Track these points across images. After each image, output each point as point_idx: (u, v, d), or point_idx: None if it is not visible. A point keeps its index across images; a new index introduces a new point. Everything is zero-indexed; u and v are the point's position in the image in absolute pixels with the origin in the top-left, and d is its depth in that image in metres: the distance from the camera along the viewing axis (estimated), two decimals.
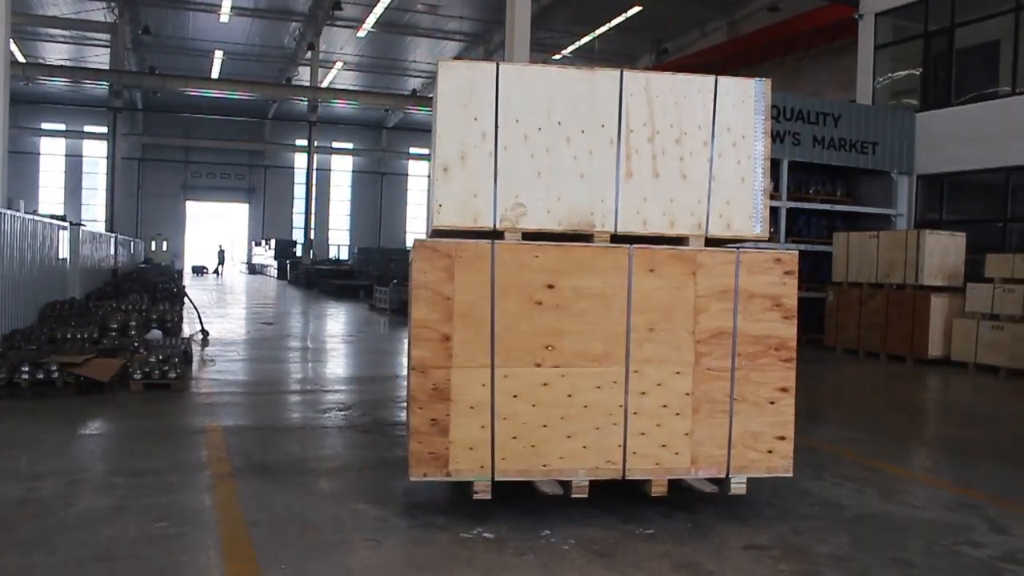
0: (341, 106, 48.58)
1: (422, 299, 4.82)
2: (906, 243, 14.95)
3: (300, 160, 53.54)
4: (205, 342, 13.67)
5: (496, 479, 4.95)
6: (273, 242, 49.58)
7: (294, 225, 55.76)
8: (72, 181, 52.57)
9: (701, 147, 5.27)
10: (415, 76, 46.10)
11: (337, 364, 12.79)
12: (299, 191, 53.78)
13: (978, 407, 10.77)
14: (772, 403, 5.22)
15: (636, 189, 5.18)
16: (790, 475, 5.32)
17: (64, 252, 16.21)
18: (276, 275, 45.63)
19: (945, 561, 4.56)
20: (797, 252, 5.40)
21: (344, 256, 55.10)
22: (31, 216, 14.01)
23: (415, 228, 60.04)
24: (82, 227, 20.20)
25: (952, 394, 11.97)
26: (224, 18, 35.96)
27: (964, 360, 13.83)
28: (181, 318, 14.69)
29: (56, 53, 41.72)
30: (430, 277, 4.84)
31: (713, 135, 5.28)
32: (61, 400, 8.39)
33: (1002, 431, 8.90)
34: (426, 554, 4.44)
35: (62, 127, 51.55)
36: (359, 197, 59.12)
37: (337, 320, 20.72)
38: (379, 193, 58.79)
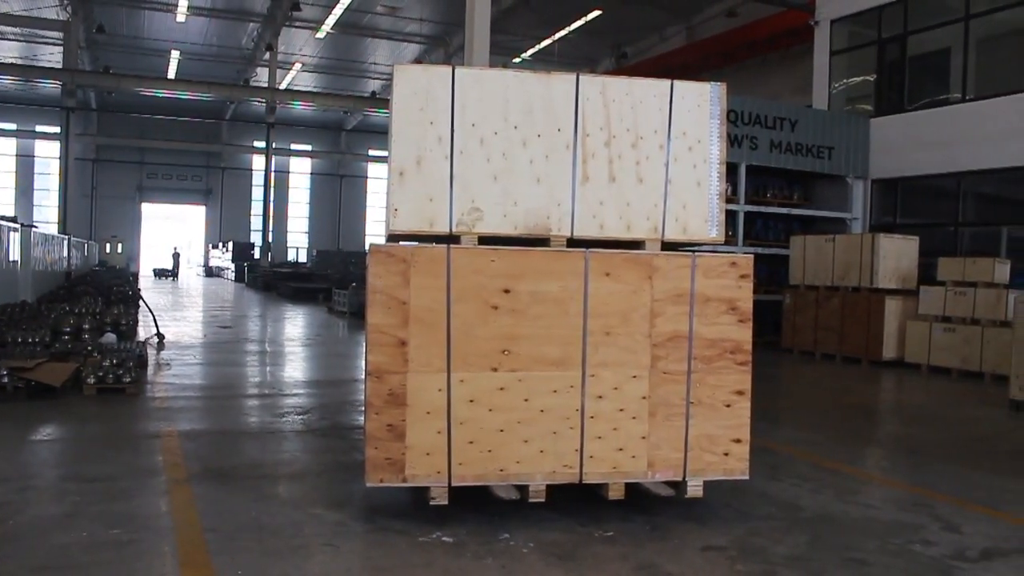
0: (300, 108, 48.25)
1: (378, 304, 4.81)
2: (861, 246, 15.18)
3: (258, 162, 53.12)
4: (161, 346, 13.49)
5: (453, 484, 4.93)
6: (231, 244, 49.08)
7: (252, 227, 55.24)
8: (23, 182, 51.61)
9: (657, 151, 5.27)
10: (374, 78, 45.93)
11: (295, 368, 12.69)
12: (257, 193, 53.36)
13: (930, 408, 10.96)
14: (728, 406, 5.24)
15: (592, 193, 5.18)
16: (746, 477, 5.36)
17: (15, 254, 15.91)
18: (234, 278, 45.17)
19: (899, 560, 4.63)
20: (752, 256, 5.42)
21: (303, 259, 54.74)
22: None
23: (375, 231, 59.83)
24: (34, 229, 19.85)
25: (905, 395, 12.17)
26: (180, 18, 35.54)
27: (918, 362, 14.07)
28: (136, 321, 14.48)
29: (7, 51, 40.91)
30: (385, 282, 4.82)
31: (669, 139, 5.29)
32: (11, 405, 8.23)
33: (953, 432, 9.07)
34: (384, 558, 4.42)
35: (13, 127, 50.59)
36: (318, 199, 58.75)
37: (295, 323, 20.56)
38: (338, 195, 58.47)
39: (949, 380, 13.13)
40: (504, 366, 4.96)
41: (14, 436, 7.10)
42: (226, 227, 55.36)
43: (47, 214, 48.13)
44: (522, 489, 5.03)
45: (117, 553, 4.35)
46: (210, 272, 54.55)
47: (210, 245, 56.27)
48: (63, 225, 34.75)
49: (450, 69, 5.11)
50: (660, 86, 5.31)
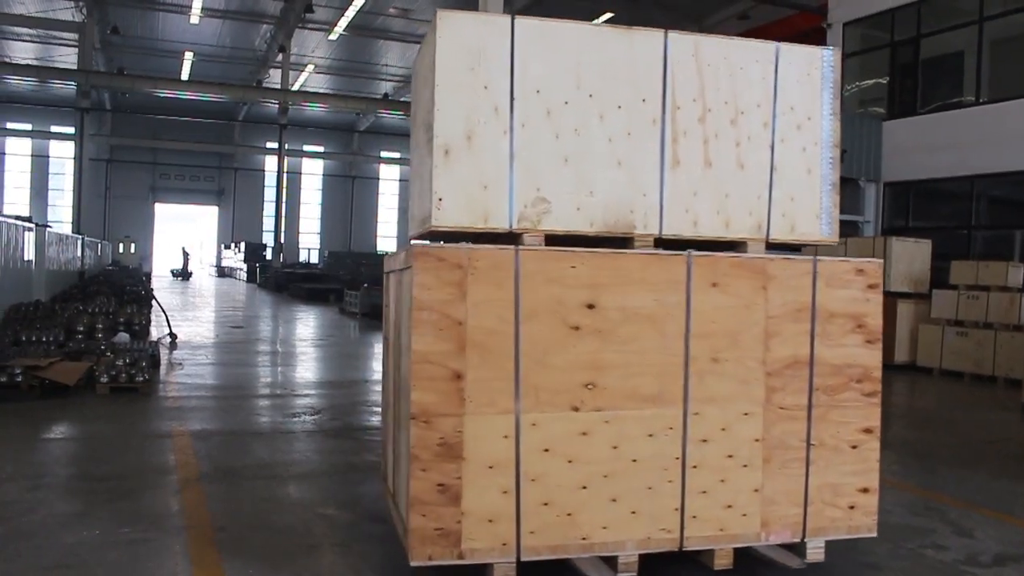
0: (312, 109, 48.36)
1: (426, 325, 3.73)
2: (873, 249, 15.13)
3: (270, 163, 53.24)
4: (173, 345, 13.54)
5: (523, 559, 3.92)
6: (243, 245, 49.23)
7: (264, 228, 55.39)
8: (38, 182, 51.87)
9: (761, 130, 4.36)
10: (387, 80, 46.00)
11: (306, 368, 12.72)
12: (269, 194, 53.48)
13: (941, 412, 10.91)
14: (854, 447, 4.36)
15: (684, 181, 4.22)
16: (874, 535, 4.48)
17: (30, 254, 16.01)
18: (245, 278, 45.32)
19: (911, 564, 4.61)
20: (881, 261, 4.53)
21: (314, 259, 54.87)
22: None
23: (386, 232, 59.94)
24: (48, 228, 19.97)
25: (917, 399, 12.12)
26: (194, 19, 35.67)
27: (929, 366, 14.01)
28: (149, 321, 14.55)
29: (23, 52, 41.16)
30: (436, 295, 3.75)
31: (774, 115, 4.39)
32: (25, 403, 8.27)
33: (965, 436, 9.03)
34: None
35: (28, 127, 50.83)
36: (330, 200, 58.86)
37: (307, 324, 20.61)
38: (350, 197, 58.57)
39: (961, 384, 13.06)
40: (587, 404, 3.96)
41: (27, 434, 7.14)
42: (238, 228, 55.53)
43: (61, 214, 48.35)
44: (608, 560, 4.07)
45: (128, 552, 4.37)
46: (222, 272, 54.73)
47: (222, 245, 56.47)
48: (77, 225, 34.93)
49: (508, 19, 4.06)
50: (763, 50, 4.39)
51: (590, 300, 3.97)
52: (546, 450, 3.92)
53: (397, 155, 58.09)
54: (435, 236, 4.19)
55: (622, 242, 4.21)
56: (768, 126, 4.38)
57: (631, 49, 4.19)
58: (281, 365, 13.04)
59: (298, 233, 57.41)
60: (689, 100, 4.25)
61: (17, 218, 17.18)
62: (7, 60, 41.13)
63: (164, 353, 12.37)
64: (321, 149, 57.40)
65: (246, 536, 4.67)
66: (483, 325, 3.83)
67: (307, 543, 4.59)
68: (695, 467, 4.12)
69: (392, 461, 4.57)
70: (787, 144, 4.41)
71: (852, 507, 4.37)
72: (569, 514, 3.95)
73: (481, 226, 3.96)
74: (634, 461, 4.04)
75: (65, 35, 38.21)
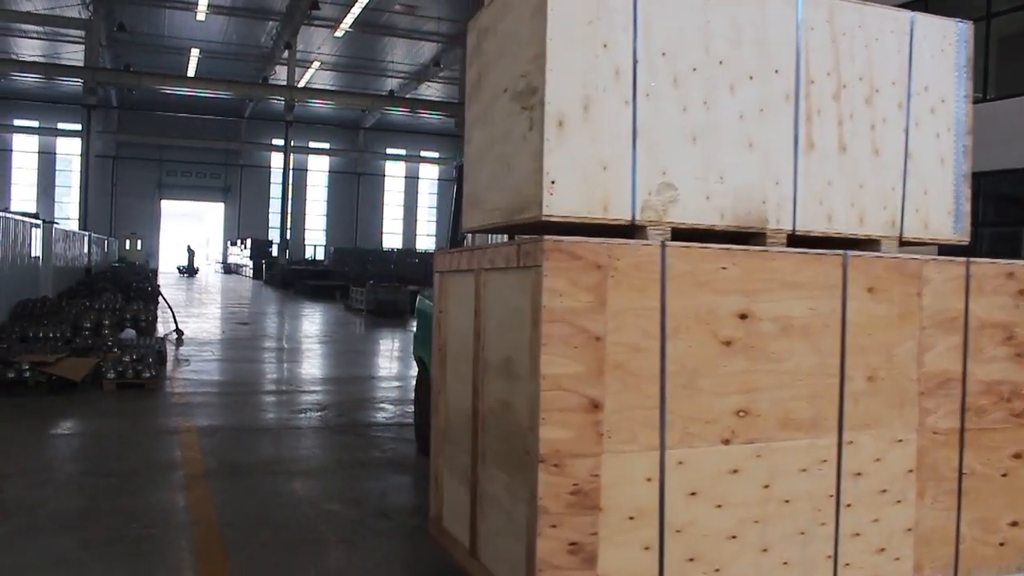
0: (318, 106, 48.38)
1: (557, 342, 3.01)
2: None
3: (276, 160, 53.28)
4: (180, 341, 13.57)
5: None
6: (249, 242, 49.31)
7: (270, 225, 55.45)
8: (45, 179, 52.00)
9: (895, 111, 3.79)
10: (392, 76, 45.99)
11: (312, 365, 12.74)
12: (275, 191, 53.50)
13: None
14: (1004, 476, 3.88)
15: (819, 167, 3.63)
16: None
17: (37, 250, 16.06)
18: (252, 275, 45.39)
19: None
20: None
21: (320, 256, 54.91)
22: (3, 214, 13.86)
23: (391, 229, 59.94)
24: (55, 225, 20.03)
25: None
26: (201, 16, 35.70)
27: None
28: (155, 317, 14.59)
29: (29, 49, 41.25)
30: (568, 303, 3.01)
31: (909, 95, 3.81)
32: (32, 400, 8.30)
33: None
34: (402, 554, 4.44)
35: (35, 124, 50.97)
36: (335, 197, 58.89)
37: (313, 320, 20.64)
38: (355, 193, 58.59)
39: None
40: (739, 436, 3.32)
41: (34, 430, 7.17)
42: (244, 224, 55.61)
43: (68, 211, 48.48)
44: None
45: (135, 547, 4.38)
46: (228, 269, 54.83)
47: (228, 242, 56.57)
48: (83, 222, 35.01)
49: None
50: (898, 19, 3.81)
51: (743, 309, 3.31)
52: (693, 493, 3.25)
53: (403, 152, 58.11)
54: (534, 228, 3.43)
55: (749, 239, 3.55)
56: (903, 107, 3.81)
57: (762, 10, 3.56)
58: (287, 361, 13.06)
59: (304, 230, 57.47)
60: (823, 73, 3.65)
61: (24, 215, 17.25)
62: (14, 57, 41.23)
63: (170, 349, 12.40)
64: (327, 146, 57.43)
65: (252, 532, 4.68)
66: (625, 341, 3.11)
67: (313, 539, 4.60)
68: (848, 505, 3.53)
69: (465, 507, 3.71)
70: (921, 129, 3.85)
71: (1002, 544, 3.88)
72: (717, 570, 3.31)
73: (599, 216, 3.22)
74: (786, 502, 3.42)
75: (72, 32, 38.28)
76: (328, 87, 46.91)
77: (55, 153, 52.16)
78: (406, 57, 41.90)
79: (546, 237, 2.99)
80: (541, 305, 2.99)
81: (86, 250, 26.72)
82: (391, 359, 14.05)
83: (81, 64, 37.35)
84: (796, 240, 3.62)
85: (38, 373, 8.58)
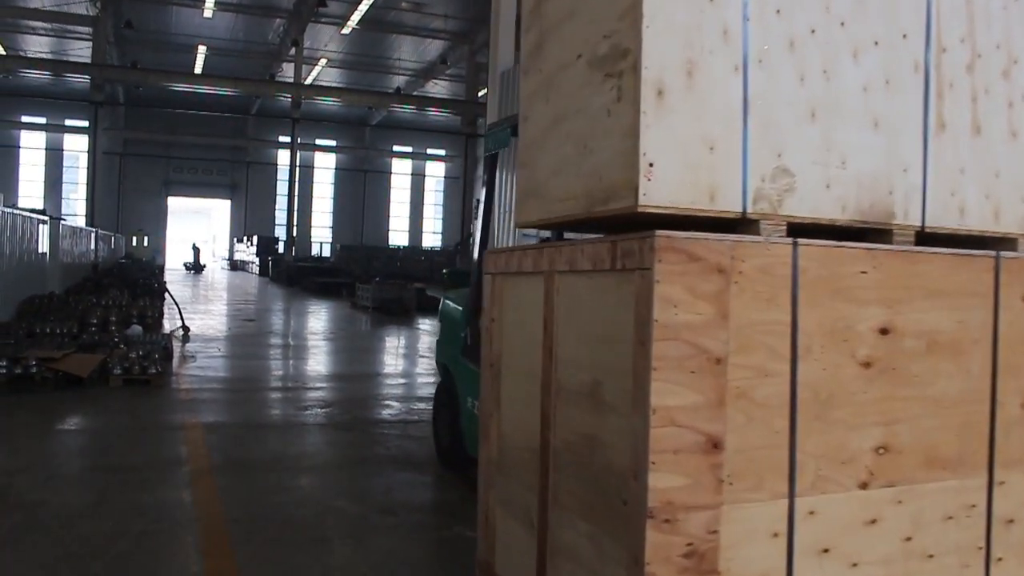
0: (324, 103, 48.42)
1: (671, 365, 2.40)
2: None
3: (283, 157, 53.34)
4: (186, 338, 13.60)
5: None
6: (255, 239, 49.38)
7: (276, 222, 55.53)
8: (52, 175, 52.10)
9: None
10: (399, 74, 45.99)
11: (318, 362, 12.75)
12: (282, 188, 53.55)
13: None
14: None
15: (951, 152, 3.02)
16: None
17: (44, 247, 16.10)
18: (258, 272, 45.46)
19: None
20: None
21: (326, 253, 54.96)
22: (10, 210, 13.91)
23: (398, 226, 59.96)
24: (62, 222, 20.09)
25: None
26: (208, 13, 35.76)
27: None
28: (161, 314, 14.62)
29: (37, 46, 41.34)
30: (685, 317, 2.42)
31: None
32: (39, 395, 8.33)
33: None
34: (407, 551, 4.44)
35: (42, 120, 51.06)
36: (342, 194, 58.92)
37: (319, 317, 20.66)
38: (362, 191, 58.61)
39: None
40: (878, 477, 2.74)
41: (41, 426, 7.19)
42: (251, 221, 55.67)
43: (75, 207, 48.56)
44: None
45: (141, 542, 4.40)
46: (234, 266, 54.91)
47: (235, 239, 56.65)
48: (90, 218, 35.10)
49: None
50: None
51: (884, 322, 2.73)
52: (825, 551, 2.67)
53: (409, 149, 58.12)
54: (605, 223, 2.94)
55: (871, 235, 2.90)
56: None
57: None
58: (292, 358, 13.08)
59: (310, 227, 57.52)
60: (956, 40, 3.05)
61: (31, 211, 17.30)
62: (22, 54, 41.32)
63: (176, 346, 12.43)
64: (333, 143, 57.46)
65: (258, 528, 4.69)
66: (750, 363, 2.53)
67: (318, 535, 4.61)
68: (1000, 560, 2.97)
69: (528, 556, 3.18)
70: None
71: None
72: None
73: (704, 207, 2.59)
74: (930, 557, 2.84)
75: (79, 29, 38.36)
76: (335, 84, 46.94)
77: (62, 150, 52.26)
78: (413, 54, 41.90)
79: (658, 232, 2.39)
80: (652, 319, 2.37)
81: (93, 247, 26.79)
82: (396, 356, 14.06)
83: (88, 61, 37.46)
84: (922, 239, 3.00)
85: (45, 369, 8.61)
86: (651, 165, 2.50)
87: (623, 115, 2.59)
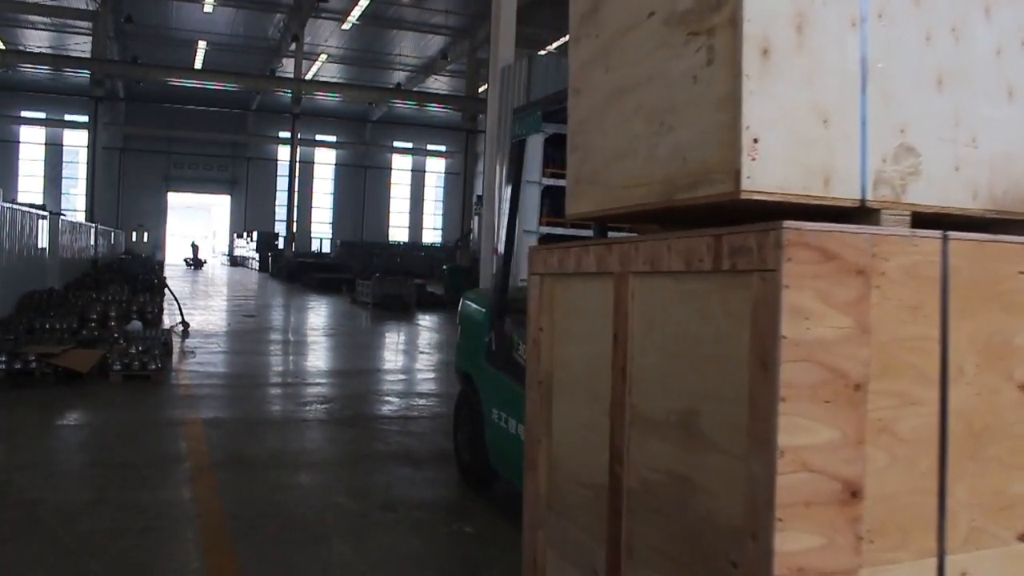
0: (325, 99, 48.36)
1: (802, 392, 1.92)
2: None
3: (283, 152, 53.32)
4: (186, 334, 13.58)
5: None
6: (255, 234, 49.38)
7: (276, 218, 55.51)
8: (52, 170, 52.08)
9: None
10: (400, 70, 45.95)
11: (318, 357, 12.74)
12: (282, 183, 53.53)
13: None
14: None
15: None
16: None
17: (43, 242, 16.08)
18: (258, 268, 45.46)
19: None
20: None
21: (326, 249, 54.96)
22: (10, 205, 13.89)
23: (398, 222, 59.95)
24: (62, 217, 20.07)
25: None
26: (208, 8, 35.71)
27: None
28: (161, 309, 14.61)
29: (37, 40, 41.27)
30: (819, 330, 1.93)
31: None
32: (39, 390, 8.31)
33: None
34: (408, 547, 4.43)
35: (42, 115, 51.03)
36: (342, 190, 58.90)
37: (318, 313, 20.65)
38: (362, 187, 58.59)
39: None
40: None
41: (41, 421, 7.18)
42: (251, 217, 55.65)
43: (75, 202, 48.54)
44: None
45: (141, 539, 4.38)
46: (234, 262, 54.91)
47: (235, 235, 56.65)
48: (90, 213, 35.08)
49: None
50: None
51: None
52: None
53: (409, 145, 58.07)
54: (686, 213, 2.43)
55: (980, 227, 2.34)
56: None
57: None
58: (292, 354, 13.07)
59: (310, 223, 57.51)
60: None
61: (31, 206, 17.28)
62: (22, 48, 41.28)
63: (176, 341, 12.41)
64: (333, 139, 57.43)
65: (258, 524, 4.68)
66: (894, 389, 2.04)
67: (319, 532, 4.59)
68: None
69: None
70: None
71: None
72: None
73: (818, 193, 2.13)
74: None
75: (79, 23, 38.32)
76: (335, 80, 46.90)
77: (62, 145, 52.24)
78: (413, 50, 41.85)
79: (786, 224, 1.91)
80: (778, 334, 1.88)
81: (93, 242, 26.77)
82: (396, 352, 14.05)
83: (88, 56, 37.39)
84: None
85: (44, 364, 8.59)
86: (755, 141, 2.07)
87: (716, 81, 2.14)
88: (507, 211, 5.37)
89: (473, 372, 5.52)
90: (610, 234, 3.27)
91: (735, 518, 2.01)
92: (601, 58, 2.70)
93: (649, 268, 2.40)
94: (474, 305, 5.85)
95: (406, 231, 59.72)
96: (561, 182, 12.37)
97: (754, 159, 2.05)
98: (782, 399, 1.88)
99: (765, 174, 2.06)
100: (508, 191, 5.41)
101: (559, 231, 12.03)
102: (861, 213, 2.21)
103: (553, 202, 12.80)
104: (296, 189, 43.48)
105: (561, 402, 2.92)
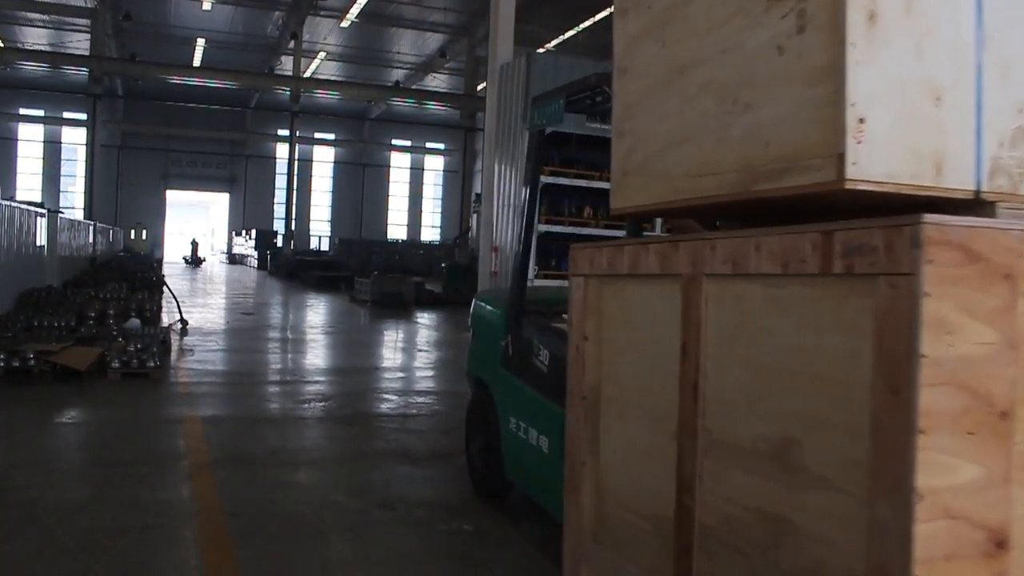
0: (323, 96, 48.31)
1: (943, 423, 1.61)
2: None
3: (282, 150, 53.22)
4: (184, 331, 13.58)
5: None
6: (254, 232, 49.36)
7: (275, 215, 55.47)
8: (50, 168, 52.02)
9: None
10: (398, 67, 45.90)
11: (317, 355, 12.74)
12: (280, 181, 53.46)
13: None
14: None
15: None
16: None
17: (42, 239, 16.06)
18: (256, 265, 45.43)
19: None
20: None
21: (325, 247, 54.93)
22: (8, 203, 13.87)
23: (396, 220, 59.92)
24: (60, 214, 20.04)
25: None
26: (207, 5, 35.65)
27: None
28: (160, 307, 14.60)
29: (35, 37, 41.23)
30: (962, 347, 1.64)
31: None
32: (37, 388, 8.30)
33: None
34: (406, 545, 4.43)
35: (40, 113, 50.96)
36: (341, 188, 58.86)
37: (317, 311, 20.64)
38: (361, 184, 58.55)
39: None
40: None
41: (39, 419, 7.17)
42: (249, 215, 55.61)
43: (73, 200, 48.49)
44: None
45: (140, 537, 4.38)
46: (233, 259, 54.87)
47: (233, 232, 56.62)
48: (89, 211, 35.03)
49: None
50: None
51: None
52: None
53: (408, 143, 58.04)
54: (758, 208, 2.17)
55: None
56: None
57: None
58: (291, 352, 13.07)
59: (309, 220, 57.46)
60: None
61: (29, 204, 17.25)
62: (20, 46, 41.21)
63: (175, 339, 12.41)
64: (332, 137, 57.38)
65: (257, 522, 4.68)
66: None
67: (318, 529, 4.60)
68: None
69: None
70: None
71: None
72: None
73: (929, 182, 1.86)
74: None
75: (78, 21, 38.24)
76: (334, 78, 46.83)
77: (60, 142, 52.18)
78: (412, 48, 41.80)
79: (926, 218, 1.62)
80: (917, 352, 1.58)
81: (91, 240, 26.74)
82: (395, 350, 14.05)
83: (87, 53, 37.35)
84: None
85: (43, 362, 8.59)
86: (861, 121, 1.77)
87: (810, 51, 1.86)
88: (525, 207, 4.98)
89: (487, 378, 5.21)
90: (645, 232, 3.01)
91: (854, 571, 1.67)
92: (655, 32, 2.42)
93: (730, 270, 2.06)
94: (488, 307, 5.51)
95: (405, 229, 59.69)
96: (561, 180, 12.48)
97: (860, 142, 1.77)
98: (921, 431, 1.56)
99: (872, 160, 1.77)
100: (526, 189, 5.00)
101: (557, 229, 12.08)
102: (975, 205, 1.91)
103: (552, 200, 12.80)
104: (295, 187, 43.46)
105: (611, 421, 2.59)
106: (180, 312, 14.43)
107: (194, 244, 49.70)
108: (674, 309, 2.25)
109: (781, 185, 1.90)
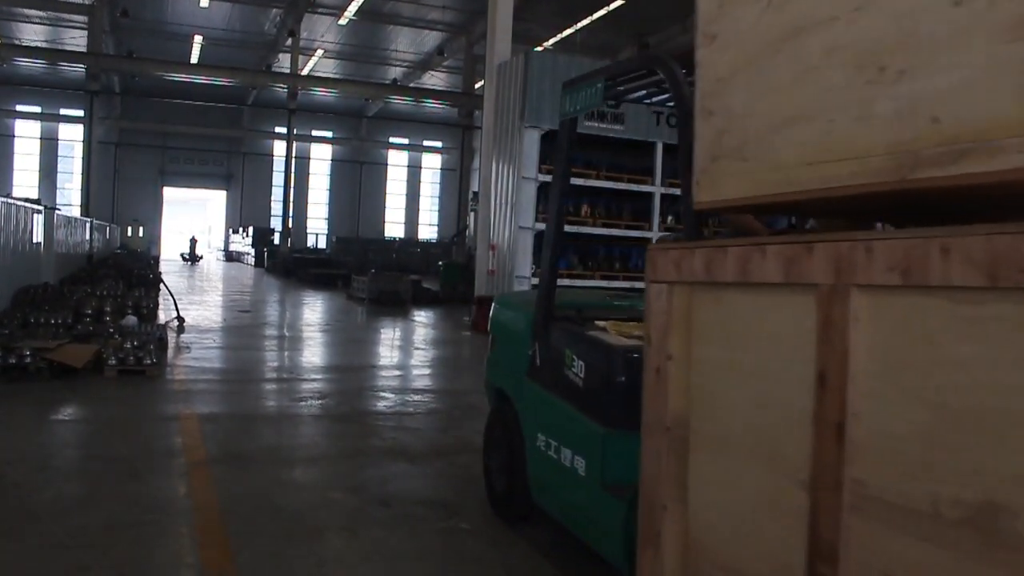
0: (321, 94, 48.27)
1: None
2: None
3: (279, 147, 53.16)
4: (181, 329, 13.57)
5: None
6: (251, 230, 49.33)
7: (272, 213, 55.40)
8: (47, 165, 51.93)
9: None
10: (396, 65, 45.86)
11: (313, 353, 12.73)
12: (278, 179, 53.45)
13: None
14: None
15: None
16: None
17: (38, 236, 16.04)
18: (253, 263, 45.41)
19: None
20: None
21: (322, 245, 54.91)
22: (4, 199, 13.84)
23: (394, 218, 59.89)
24: (57, 211, 20.00)
25: None
26: (204, 2, 35.58)
27: None
28: (157, 304, 14.59)
29: (32, 34, 41.14)
30: None
31: None
32: (33, 385, 8.29)
33: None
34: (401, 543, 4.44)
35: (37, 109, 50.87)
36: (338, 186, 58.82)
37: (314, 309, 20.63)
38: (358, 182, 58.51)
39: None
40: None
41: (36, 416, 7.17)
42: (246, 212, 55.58)
43: (70, 197, 48.43)
44: None
45: (136, 534, 4.38)
46: (230, 257, 54.83)
47: (230, 230, 56.58)
48: (85, 208, 34.98)
49: None
50: None
51: None
52: None
53: (405, 141, 58.02)
54: (907, 202, 1.79)
55: None
56: None
57: None
58: (288, 349, 13.06)
59: (306, 218, 57.42)
60: None
61: (26, 200, 17.22)
62: (17, 42, 41.11)
63: (172, 336, 12.40)
64: (330, 134, 57.34)
65: (254, 519, 4.68)
66: None
67: (314, 527, 4.60)
68: None
69: None
70: None
71: None
72: None
73: None
74: None
75: (75, 17, 38.18)
76: (331, 75, 46.80)
77: (57, 139, 52.10)
78: (410, 46, 41.74)
79: None
80: None
81: (88, 237, 26.71)
82: (392, 348, 14.04)
83: (84, 50, 37.31)
84: None
85: (39, 359, 8.58)
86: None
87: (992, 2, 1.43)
88: (553, 203, 4.57)
89: (510, 389, 4.79)
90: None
91: None
92: None
93: (899, 280, 1.60)
94: (511, 312, 5.08)
95: (402, 227, 59.68)
96: None
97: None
98: None
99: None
100: (557, 184, 4.60)
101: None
102: None
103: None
104: (292, 184, 43.40)
105: (705, 458, 2.14)
106: (177, 309, 14.42)
107: (193, 241, 49.67)
108: (805, 328, 1.80)
109: (958, 172, 1.48)
